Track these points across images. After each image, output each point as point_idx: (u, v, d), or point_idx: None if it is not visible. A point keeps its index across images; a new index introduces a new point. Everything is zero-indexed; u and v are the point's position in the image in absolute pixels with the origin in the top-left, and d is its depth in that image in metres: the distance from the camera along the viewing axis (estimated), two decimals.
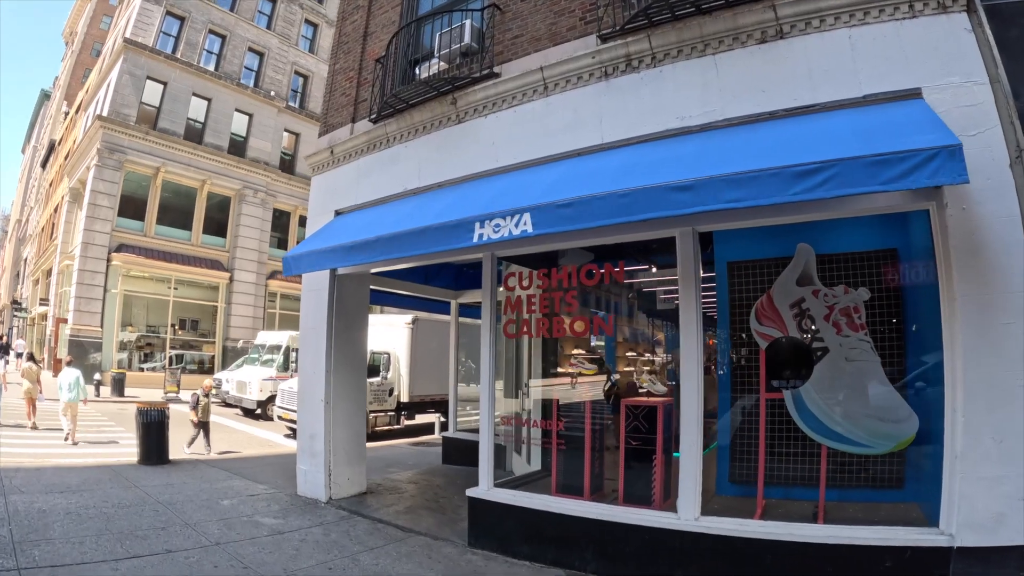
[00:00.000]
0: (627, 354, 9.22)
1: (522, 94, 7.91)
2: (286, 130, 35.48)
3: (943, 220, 5.41)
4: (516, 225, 5.89)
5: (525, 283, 8.03)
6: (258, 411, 20.76)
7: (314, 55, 37.29)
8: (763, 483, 6.41)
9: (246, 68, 33.78)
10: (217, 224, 32.04)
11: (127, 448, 13.51)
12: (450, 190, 8.19)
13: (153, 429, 11.82)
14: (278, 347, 22.02)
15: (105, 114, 28.30)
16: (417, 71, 9.54)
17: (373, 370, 17.35)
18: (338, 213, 9.94)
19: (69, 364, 16.09)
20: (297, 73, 36.63)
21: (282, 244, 34.91)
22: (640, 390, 8.33)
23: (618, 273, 7.54)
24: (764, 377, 6.51)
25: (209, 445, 13.59)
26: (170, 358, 29.09)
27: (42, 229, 50.81)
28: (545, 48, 7.77)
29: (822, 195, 4.80)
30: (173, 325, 30.23)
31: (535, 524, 7.24)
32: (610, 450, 7.76)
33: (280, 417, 17.11)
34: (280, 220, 34.79)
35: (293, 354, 20.94)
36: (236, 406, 22.07)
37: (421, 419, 19.43)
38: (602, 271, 7.49)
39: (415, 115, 8.90)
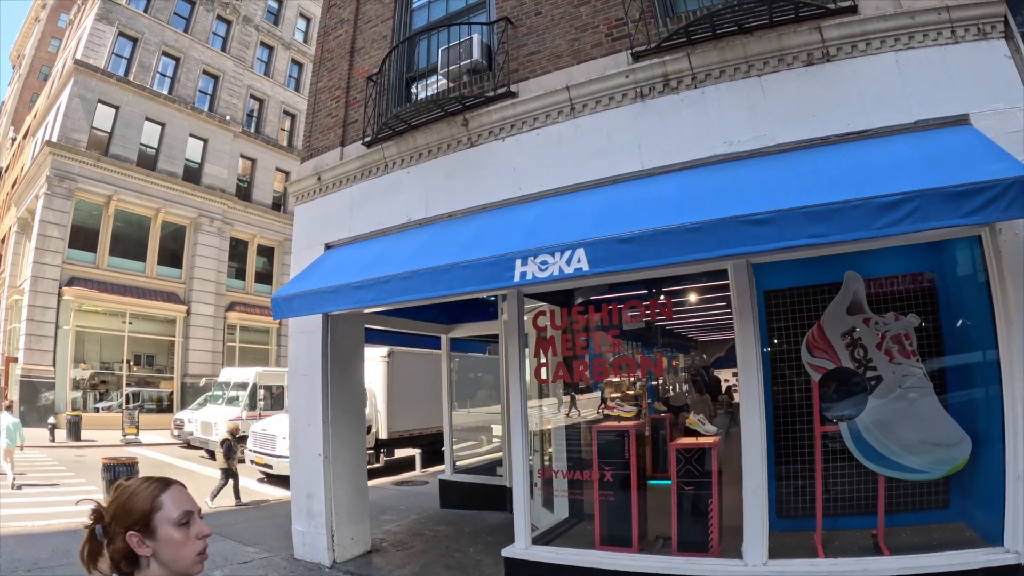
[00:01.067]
0: (670, 393, 8.64)
1: (545, 115, 7.25)
2: (242, 156, 34.36)
3: (997, 245, 5.32)
4: (568, 263, 5.26)
5: (559, 322, 7.41)
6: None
7: (270, 78, 36.43)
8: (821, 517, 6.15)
9: (200, 92, 32.69)
10: (172, 255, 30.76)
11: (92, 503, 12.54)
12: (466, 221, 7.44)
13: None
14: (244, 384, 20.96)
15: (55, 139, 26.98)
16: (414, 90, 8.86)
17: None
18: (328, 247, 9.13)
19: (8, 409, 16.45)
20: (253, 97, 35.62)
21: (240, 274, 33.85)
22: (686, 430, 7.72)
23: (666, 309, 7.06)
24: (818, 409, 6.23)
25: (238, 496, 12.95)
26: (127, 396, 27.66)
27: None
28: (568, 66, 7.17)
29: (907, 229, 4.50)
30: (128, 361, 28.80)
31: None
32: (656, 496, 7.25)
33: (253, 462, 16.04)
34: (237, 249, 33.60)
35: (260, 392, 20.08)
36: (200, 448, 20.89)
37: (400, 454, 18.56)
38: (646, 306, 7.06)
39: (419, 137, 8.17)
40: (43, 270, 26.13)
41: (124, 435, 22.86)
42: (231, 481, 12.96)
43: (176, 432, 23.19)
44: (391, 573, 8.34)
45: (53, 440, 21.76)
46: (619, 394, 7.85)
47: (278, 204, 36.35)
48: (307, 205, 9.66)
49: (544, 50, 7.41)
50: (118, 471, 10.74)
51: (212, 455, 19.82)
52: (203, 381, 28.39)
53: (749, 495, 5.91)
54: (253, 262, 34.57)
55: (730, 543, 6.18)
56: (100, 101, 28.38)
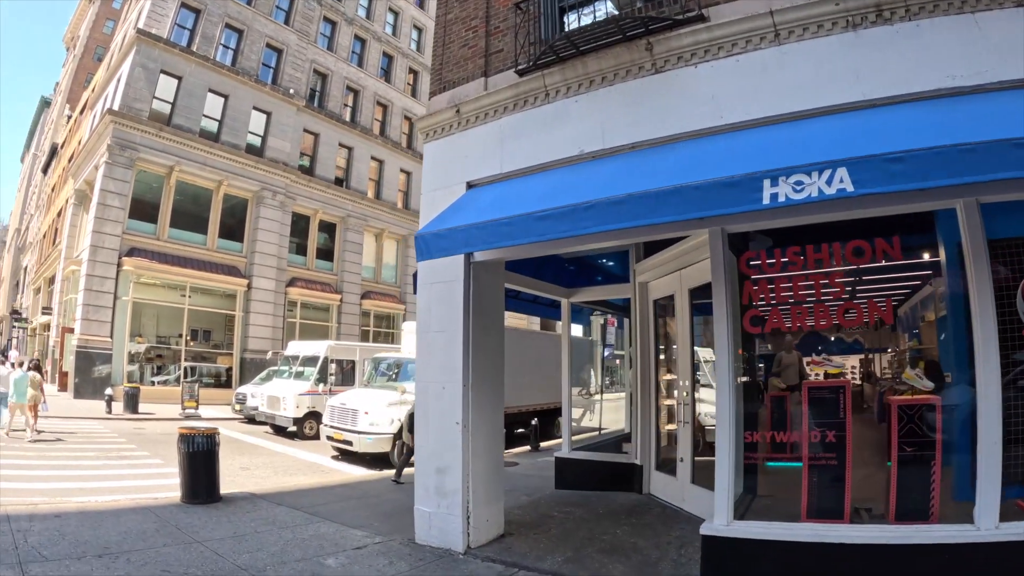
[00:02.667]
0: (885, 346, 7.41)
1: (745, 41, 6.19)
2: (305, 130, 33.56)
3: None
4: (828, 183, 4.40)
5: (772, 264, 6.28)
6: (293, 429, 18.69)
7: (333, 53, 35.57)
8: None
9: (264, 64, 31.90)
10: (234, 228, 30.13)
11: (158, 479, 11.72)
12: (658, 152, 6.31)
13: (200, 459, 9.62)
14: (313, 359, 19.95)
15: (116, 108, 26.37)
16: (568, 19, 7.72)
17: None
18: (471, 186, 8.00)
19: (20, 365, 16.45)
20: (316, 72, 34.78)
21: (301, 250, 33.17)
22: (898, 388, 6.53)
23: (892, 250, 6.00)
24: None
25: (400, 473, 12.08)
26: (185, 370, 26.95)
27: (43, 235, 49.12)
28: None
29: None
30: (185, 336, 28.21)
31: (795, 561, 5.70)
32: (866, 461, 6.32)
33: (330, 438, 15.06)
34: (299, 224, 32.87)
35: (332, 366, 19.10)
36: (264, 423, 20.08)
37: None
38: (872, 248, 6.00)
39: (590, 63, 7.01)
40: (102, 239, 25.49)
41: (183, 409, 22.10)
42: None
43: (238, 407, 22.47)
44: (542, 559, 7.17)
45: (110, 412, 21.14)
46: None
47: (340, 180, 35.57)
48: (441, 142, 8.51)
49: None
50: (196, 442, 9.59)
51: (277, 430, 19.15)
52: (269, 354, 27.63)
53: (984, 454, 5.27)
54: (315, 238, 33.80)
55: (949, 510, 5.61)
56: (162, 71, 27.71)
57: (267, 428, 19.77)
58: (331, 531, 8.22)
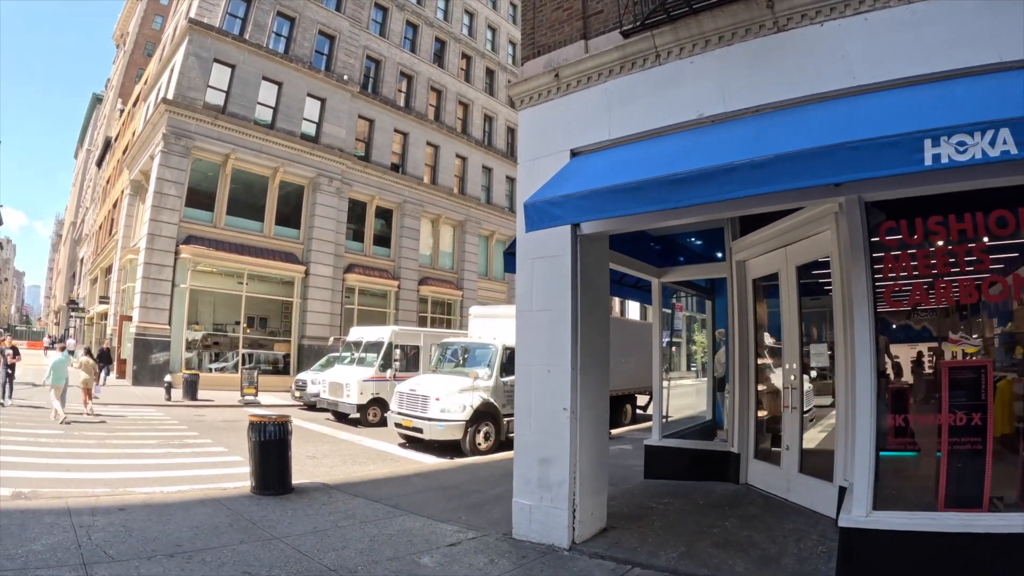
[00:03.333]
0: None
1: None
2: (360, 116, 33.36)
3: None
4: (992, 144, 4.05)
5: (915, 235, 5.70)
6: (356, 416, 18.37)
7: (385, 39, 35.30)
8: None
9: (317, 52, 31.72)
10: (290, 215, 30.09)
11: (224, 467, 11.54)
12: (787, 115, 5.73)
13: (272, 449, 9.23)
14: (377, 344, 19.53)
15: (170, 97, 26.41)
16: None
17: (510, 365, 14.79)
18: (575, 153, 7.47)
19: (62, 349, 18.72)
20: (369, 58, 34.54)
21: (358, 236, 33.01)
22: None
23: None
24: None
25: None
26: (242, 356, 27.17)
27: (99, 227, 49.93)
28: None
29: None
30: (242, 323, 28.25)
31: (937, 552, 5.27)
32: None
33: (399, 425, 14.65)
34: (355, 211, 32.72)
35: (396, 352, 18.78)
36: (326, 410, 19.83)
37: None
38: (1017, 219, 5.38)
39: (705, 22, 6.43)
40: (159, 228, 25.61)
41: (243, 396, 22.11)
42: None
43: (298, 393, 22.35)
44: (655, 555, 6.63)
45: (169, 399, 21.21)
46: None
47: (396, 166, 35.32)
48: (537, 108, 7.97)
49: None
50: (268, 431, 9.22)
51: (339, 416, 18.95)
52: (331, 340, 27.43)
53: None
54: (372, 224, 33.63)
55: None
56: (216, 60, 27.70)
57: (328, 415, 19.52)
58: (418, 526, 7.80)
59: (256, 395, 22.35)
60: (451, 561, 6.53)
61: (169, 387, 21.62)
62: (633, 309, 51.45)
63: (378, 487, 9.98)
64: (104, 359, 24.41)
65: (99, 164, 60.90)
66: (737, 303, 9.92)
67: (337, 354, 22.77)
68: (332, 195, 30.92)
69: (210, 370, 26.72)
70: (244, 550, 6.52)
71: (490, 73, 42.69)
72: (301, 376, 22.98)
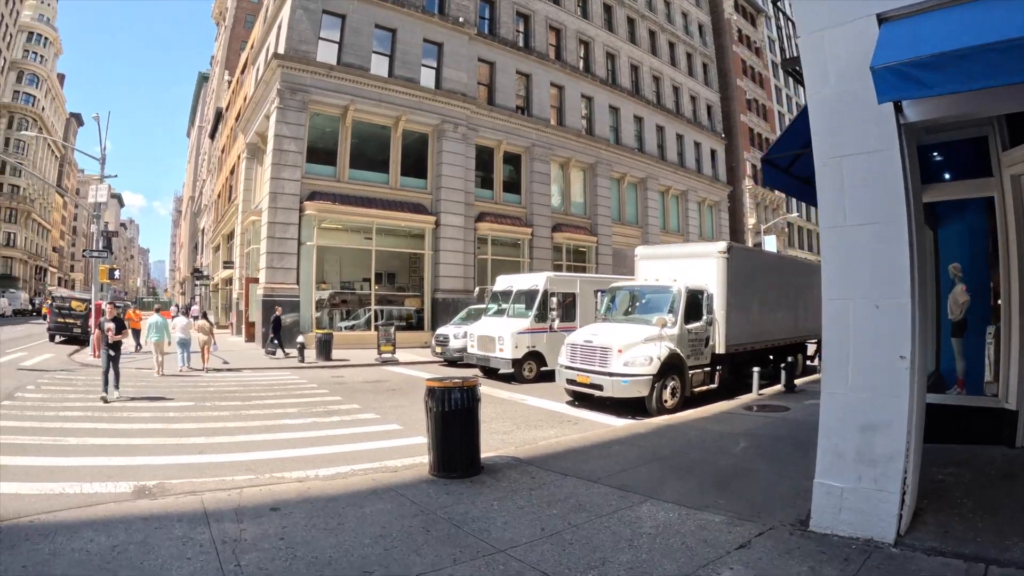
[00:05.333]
0: None
1: None
2: (480, 59, 31.34)
3: None
4: None
5: None
6: (507, 371, 16.65)
7: None
8: None
9: None
10: (415, 165, 28.69)
11: (382, 439, 9.77)
12: None
13: (457, 420, 7.31)
14: (530, 293, 17.64)
15: (281, 52, 25.15)
16: None
17: (692, 311, 12.96)
18: (884, 20, 5.17)
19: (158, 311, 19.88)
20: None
21: (486, 183, 31.37)
22: None
23: None
24: None
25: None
26: (374, 313, 26.06)
27: (218, 195, 50.57)
28: None
29: None
30: (368, 280, 27.13)
31: None
32: None
33: (572, 381, 12.70)
34: (482, 157, 30.99)
35: (552, 300, 16.82)
36: (473, 366, 18.21)
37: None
38: None
39: None
40: (281, 185, 24.55)
41: (380, 354, 20.85)
42: None
43: (439, 349, 20.93)
44: (1004, 548, 4.73)
45: (302, 360, 20.18)
46: None
47: (522, 108, 33.32)
48: None
49: None
50: (453, 399, 7.28)
51: (487, 372, 17.46)
52: (476, 291, 25.88)
53: None
54: (500, 170, 31.93)
55: None
56: (324, 11, 26.30)
57: (476, 371, 17.81)
58: (673, 518, 5.77)
59: (393, 352, 21.03)
60: (760, 570, 4.54)
61: (302, 348, 20.65)
62: (768, 245, 48.14)
63: (581, 460, 8.06)
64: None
65: (212, 136, 61.87)
66: (1017, 229, 7.47)
67: (479, 306, 21.36)
68: (458, 141, 29.23)
69: (340, 329, 25.68)
70: (458, 570, 4.62)
71: (607, 8, 39.72)
72: (441, 331, 21.57)
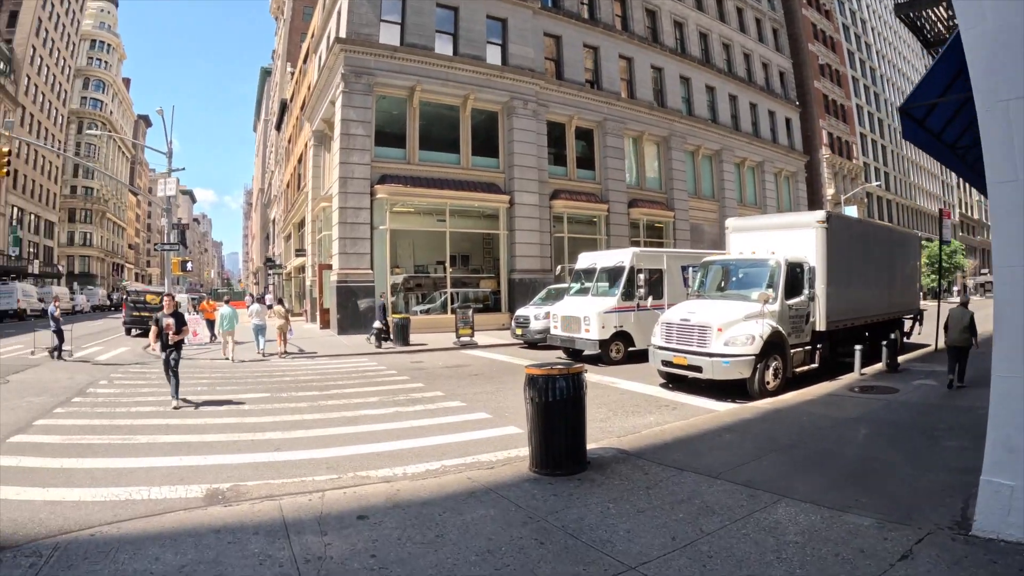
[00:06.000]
0: None
1: None
2: (545, 33, 30.48)
3: None
4: None
5: None
6: (593, 353, 15.90)
7: None
8: None
9: None
10: (486, 143, 28.14)
11: (471, 429, 9.17)
12: None
13: (562, 412, 6.65)
14: (616, 270, 16.82)
15: (343, 36, 24.79)
16: None
17: (792, 285, 12.09)
18: None
19: (228, 303, 20.79)
20: None
21: (559, 160, 30.62)
22: None
23: None
24: None
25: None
26: (450, 296, 25.75)
27: (287, 185, 51.00)
28: None
29: None
30: (442, 263, 26.83)
31: None
32: None
33: (667, 363, 12.00)
34: (554, 133, 30.22)
35: (639, 277, 16.03)
36: (556, 348, 17.66)
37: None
38: None
39: None
40: (351, 170, 24.30)
41: (458, 337, 20.50)
42: None
43: (519, 331, 20.39)
44: None
45: (379, 346, 19.85)
46: None
47: (591, 82, 32.35)
48: None
49: None
50: (558, 388, 6.57)
51: (572, 354, 16.83)
52: (558, 270, 24.99)
53: None
54: (572, 146, 31.14)
55: None
56: None
57: (559, 353, 17.21)
58: (816, 521, 5.08)
59: (472, 336, 20.66)
60: None
61: (379, 333, 20.23)
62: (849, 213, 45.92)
63: (693, 451, 7.40)
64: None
65: (278, 128, 62.51)
66: None
67: (559, 285, 20.74)
68: (529, 118, 28.53)
69: (416, 313, 25.48)
70: None
71: None
72: (521, 312, 21.02)
